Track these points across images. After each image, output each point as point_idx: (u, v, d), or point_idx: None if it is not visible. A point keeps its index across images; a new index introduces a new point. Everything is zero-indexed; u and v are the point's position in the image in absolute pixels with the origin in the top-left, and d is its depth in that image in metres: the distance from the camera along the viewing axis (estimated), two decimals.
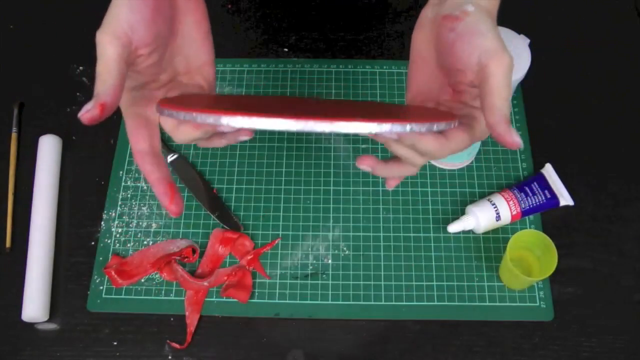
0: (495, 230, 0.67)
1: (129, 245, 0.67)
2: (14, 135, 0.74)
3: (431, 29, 0.46)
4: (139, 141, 0.45)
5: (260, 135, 0.74)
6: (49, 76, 0.79)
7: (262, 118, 0.36)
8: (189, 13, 0.47)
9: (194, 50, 0.48)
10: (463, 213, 0.67)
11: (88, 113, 0.39)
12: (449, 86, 0.47)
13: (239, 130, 0.46)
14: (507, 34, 0.66)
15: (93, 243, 0.68)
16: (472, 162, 0.71)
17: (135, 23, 0.42)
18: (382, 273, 0.65)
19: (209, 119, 0.37)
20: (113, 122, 0.75)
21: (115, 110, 0.80)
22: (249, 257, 0.65)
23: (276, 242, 0.67)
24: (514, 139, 0.40)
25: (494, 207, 0.65)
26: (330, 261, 0.66)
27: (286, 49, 0.80)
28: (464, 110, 0.46)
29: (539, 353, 0.61)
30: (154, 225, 0.68)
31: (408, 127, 0.38)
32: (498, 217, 0.65)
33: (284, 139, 0.73)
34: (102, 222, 0.69)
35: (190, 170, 0.71)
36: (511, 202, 0.65)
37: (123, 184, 0.71)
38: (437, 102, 0.48)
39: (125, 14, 0.41)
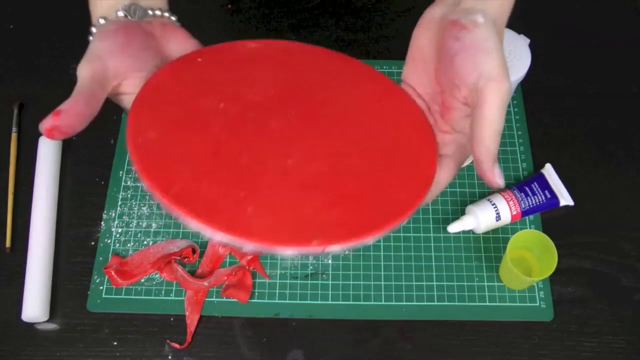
0: (495, 230, 0.67)
1: (129, 245, 0.67)
2: (14, 135, 0.74)
3: (436, 31, 0.44)
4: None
5: None
6: (49, 76, 0.79)
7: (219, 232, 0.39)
8: (170, 38, 0.50)
9: None
10: (463, 213, 0.67)
11: (45, 121, 0.43)
12: (440, 96, 0.45)
13: None
14: (507, 34, 0.66)
15: (93, 243, 0.68)
16: (472, 162, 0.71)
17: (106, 50, 0.46)
18: (382, 273, 0.65)
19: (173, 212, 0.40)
20: (113, 122, 0.75)
21: (115, 110, 0.80)
22: (249, 257, 0.65)
23: None
24: (497, 180, 0.39)
25: (494, 207, 0.65)
26: (330, 261, 0.66)
27: None
28: (449, 136, 0.45)
29: (539, 353, 0.61)
30: (154, 225, 0.68)
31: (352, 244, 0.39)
32: (498, 217, 0.65)
33: None
34: (102, 222, 0.69)
35: None
36: (511, 202, 0.65)
37: (123, 184, 0.71)
38: (426, 108, 0.47)
39: (96, 43, 0.47)
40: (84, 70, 0.45)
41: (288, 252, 0.39)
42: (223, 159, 0.43)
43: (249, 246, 0.39)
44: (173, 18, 0.51)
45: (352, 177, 0.44)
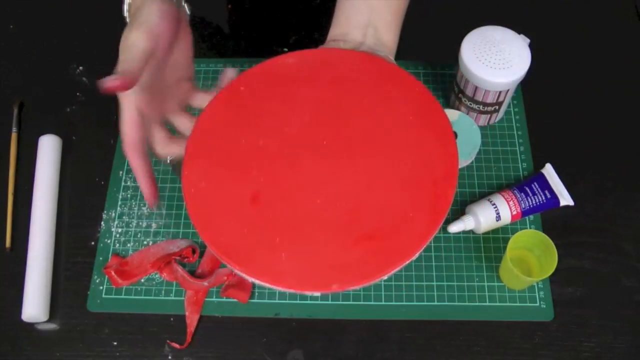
0: (495, 230, 0.67)
1: (129, 245, 0.67)
2: (14, 135, 0.74)
3: None
4: (134, 130, 0.50)
5: None
6: (49, 76, 0.79)
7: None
8: (184, 37, 0.54)
9: (181, 68, 0.55)
10: (463, 213, 0.67)
11: (111, 82, 0.46)
12: None
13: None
14: (507, 34, 0.66)
15: (93, 243, 0.68)
16: (472, 162, 0.71)
17: (162, 29, 0.49)
18: None
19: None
20: (113, 122, 0.74)
21: (115, 111, 0.79)
22: None
23: None
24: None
25: (494, 207, 0.65)
26: None
27: (286, 49, 0.80)
28: None
29: (539, 353, 0.61)
30: (154, 225, 0.68)
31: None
32: (498, 217, 0.65)
33: None
34: (102, 222, 0.69)
35: None
36: (511, 202, 0.65)
37: (123, 184, 0.71)
38: None
39: (156, 18, 0.49)
40: (143, 42, 0.48)
41: (314, 294, 0.49)
42: (261, 204, 0.49)
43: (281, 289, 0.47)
44: (188, 12, 0.56)
45: (373, 213, 0.49)
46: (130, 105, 0.49)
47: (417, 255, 0.47)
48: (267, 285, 0.47)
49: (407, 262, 0.47)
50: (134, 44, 0.48)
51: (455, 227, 0.65)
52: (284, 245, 0.48)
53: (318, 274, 0.47)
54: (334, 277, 0.46)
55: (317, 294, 0.49)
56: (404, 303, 0.64)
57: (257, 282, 0.47)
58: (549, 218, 0.68)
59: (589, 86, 0.77)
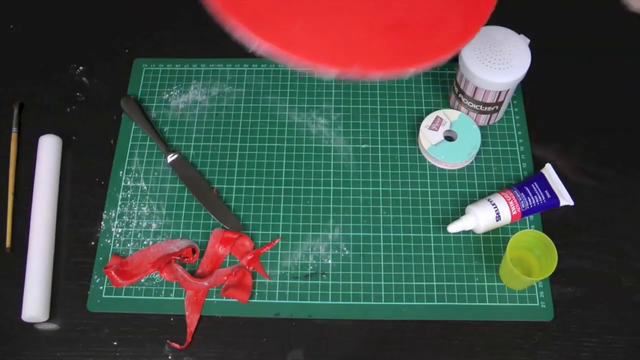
0: (495, 230, 0.67)
1: (129, 245, 0.67)
2: (14, 135, 0.74)
3: None
4: None
5: (261, 136, 0.74)
6: (49, 76, 0.79)
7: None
8: None
9: None
10: (463, 213, 0.67)
11: None
12: None
13: None
14: (507, 34, 0.66)
15: (93, 243, 0.68)
16: (472, 162, 0.71)
17: None
18: (382, 273, 0.65)
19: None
20: (113, 122, 0.75)
21: (115, 111, 0.80)
22: (249, 257, 0.65)
23: (276, 242, 0.67)
24: None
25: (494, 207, 0.65)
26: (330, 261, 0.66)
27: None
28: None
29: (539, 353, 0.61)
30: (154, 225, 0.68)
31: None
32: (498, 217, 0.65)
33: (284, 139, 0.73)
34: (102, 222, 0.69)
35: (190, 170, 0.71)
36: (511, 202, 0.65)
37: (123, 184, 0.71)
38: None
39: None
40: None
41: (329, 73, 0.39)
42: None
43: (292, 63, 0.38)
44: None
45: (410, 3, 0.43)
46: None
47: (448, 57, 0.42)
48: (276, 52, 0.39)
49: (437, 61, 0.41)
50: None
51: (455, 227, 0.65)
52: (303, 14, 0.40)
53: (338, 50, 0.40)
54: (356, 58, 0.40)
55: (333, 73, 0.40)
56: (404, 303, 0.64)
57: (265, 47, 0.39)
58: (549, 218, 0.68)
59: (589, 86, 0.77)
